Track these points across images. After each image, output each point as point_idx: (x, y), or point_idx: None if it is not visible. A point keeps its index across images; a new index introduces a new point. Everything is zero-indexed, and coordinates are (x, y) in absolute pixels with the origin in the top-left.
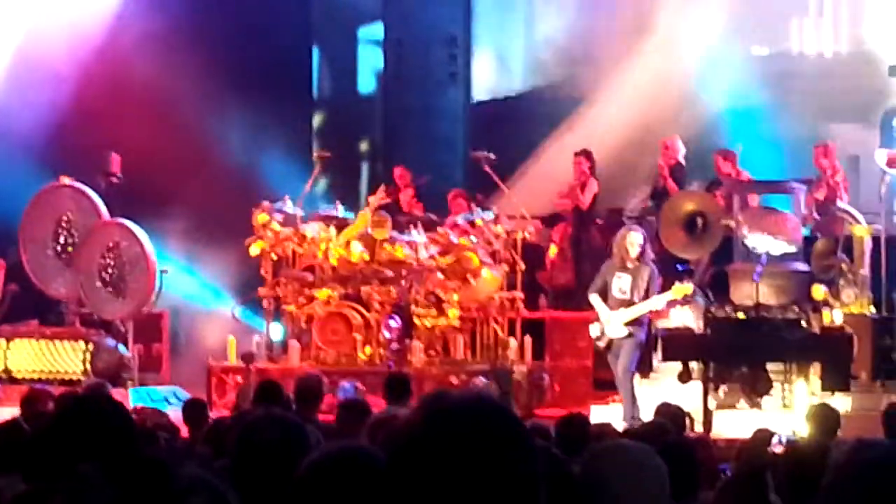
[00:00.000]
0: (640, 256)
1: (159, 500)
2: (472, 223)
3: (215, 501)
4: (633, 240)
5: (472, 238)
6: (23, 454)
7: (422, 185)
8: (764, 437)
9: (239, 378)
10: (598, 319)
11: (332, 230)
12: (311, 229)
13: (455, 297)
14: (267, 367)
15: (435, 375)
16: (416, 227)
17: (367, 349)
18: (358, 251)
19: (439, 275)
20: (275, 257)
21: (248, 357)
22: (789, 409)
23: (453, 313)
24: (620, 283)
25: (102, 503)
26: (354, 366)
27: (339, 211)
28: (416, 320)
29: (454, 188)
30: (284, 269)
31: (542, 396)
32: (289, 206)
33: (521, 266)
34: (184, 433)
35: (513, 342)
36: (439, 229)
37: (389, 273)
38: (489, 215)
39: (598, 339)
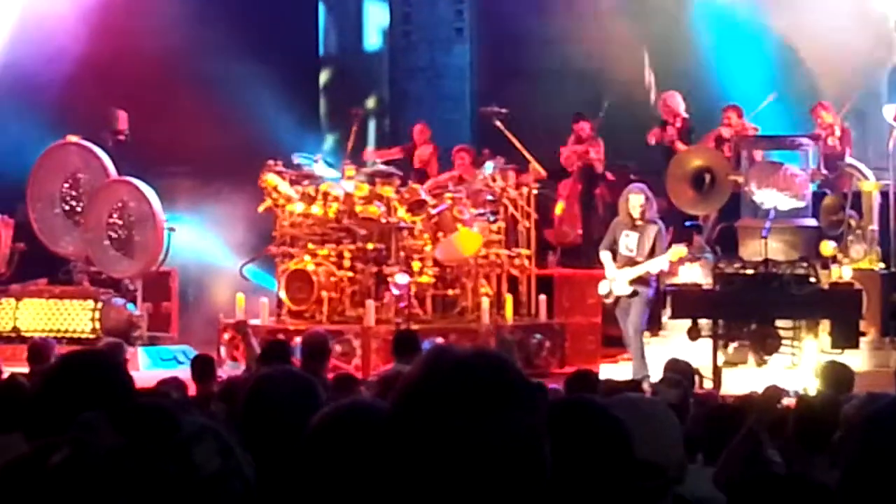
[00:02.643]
0: (643, 216)
1: (165, 446)
2: (487, 182)
3: (221, 449)
4: (634, 202)
5: (451, 196)
6: (24, 412)
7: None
8: (774, 393)
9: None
10: (606, 276)
11: (366, 187)
12: (345, 187)
13: (429, 255)
14: (268, 327)
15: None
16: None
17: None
18: (334, 208)
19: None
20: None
21: (240, 325)
22: (798, 366)
23: (427, 272)
24: (628, 241)
25: (109, 450)
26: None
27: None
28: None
29: (459, 144)
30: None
31: (532, 359)
32: (320, 166)
33: (528, 223)
34: (192, 391)
35: (485, 301)
36: (414, 186)
37: (362, 231)
38: (495, 166)
39: (607, 296)
